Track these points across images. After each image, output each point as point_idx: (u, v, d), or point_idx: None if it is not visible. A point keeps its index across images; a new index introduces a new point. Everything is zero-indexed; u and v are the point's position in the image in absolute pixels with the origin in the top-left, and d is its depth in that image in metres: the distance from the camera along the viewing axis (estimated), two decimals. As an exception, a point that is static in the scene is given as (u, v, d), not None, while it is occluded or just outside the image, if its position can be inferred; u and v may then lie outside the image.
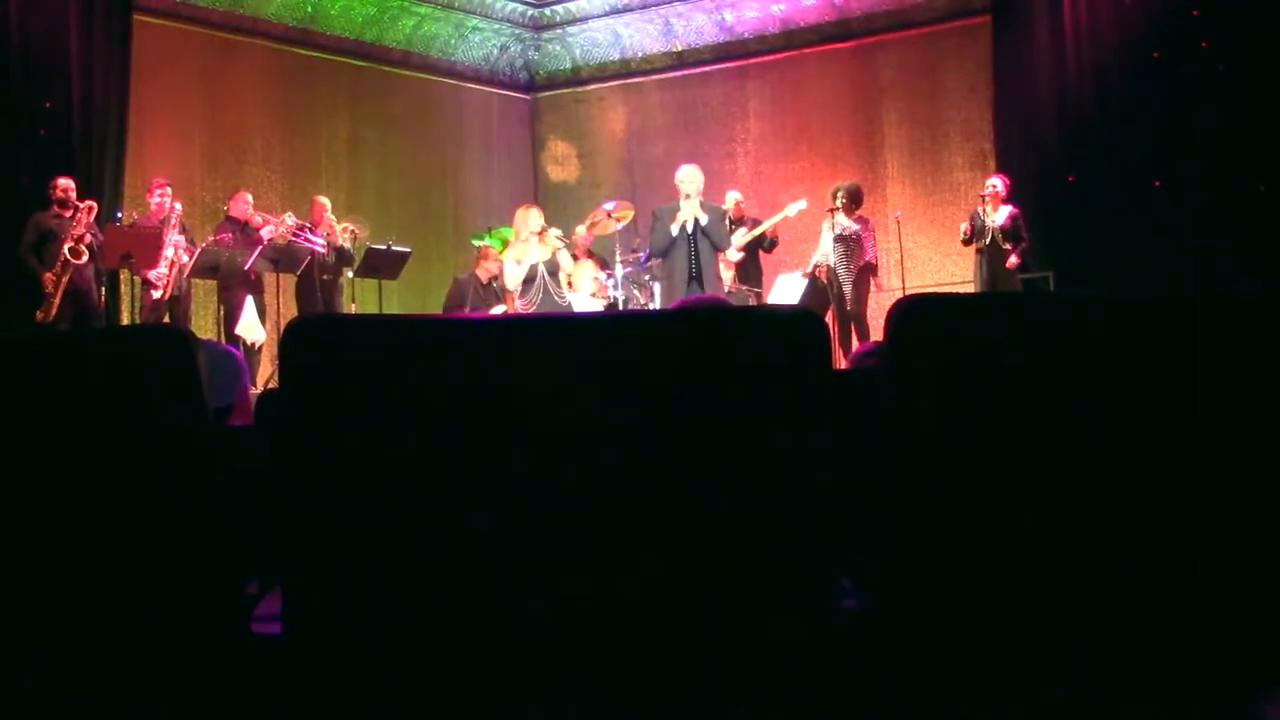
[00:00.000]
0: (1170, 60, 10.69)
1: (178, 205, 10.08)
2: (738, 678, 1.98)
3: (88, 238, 9.44)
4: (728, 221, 10.08)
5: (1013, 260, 10.51)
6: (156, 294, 9.77)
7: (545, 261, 9.38)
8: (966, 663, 2.06)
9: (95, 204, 9.73)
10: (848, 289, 10.82)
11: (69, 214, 9.52)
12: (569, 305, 9.54)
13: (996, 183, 10.85)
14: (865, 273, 10.94)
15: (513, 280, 9.46)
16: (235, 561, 2.18)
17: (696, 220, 9.42)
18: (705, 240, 9.44)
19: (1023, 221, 10.66)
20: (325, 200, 11.22)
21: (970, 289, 11.02)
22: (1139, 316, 2.05)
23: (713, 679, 1.98)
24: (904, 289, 11.16)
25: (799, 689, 1.99)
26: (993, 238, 10.63)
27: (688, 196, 9.52)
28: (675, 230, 9.44)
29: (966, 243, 10.90)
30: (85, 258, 9.40)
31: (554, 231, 9.60)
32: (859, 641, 2.08)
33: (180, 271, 9.87)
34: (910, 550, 2.05)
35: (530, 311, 9.28)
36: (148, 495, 2.09)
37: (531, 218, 9.47)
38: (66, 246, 9.30)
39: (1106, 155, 10.97)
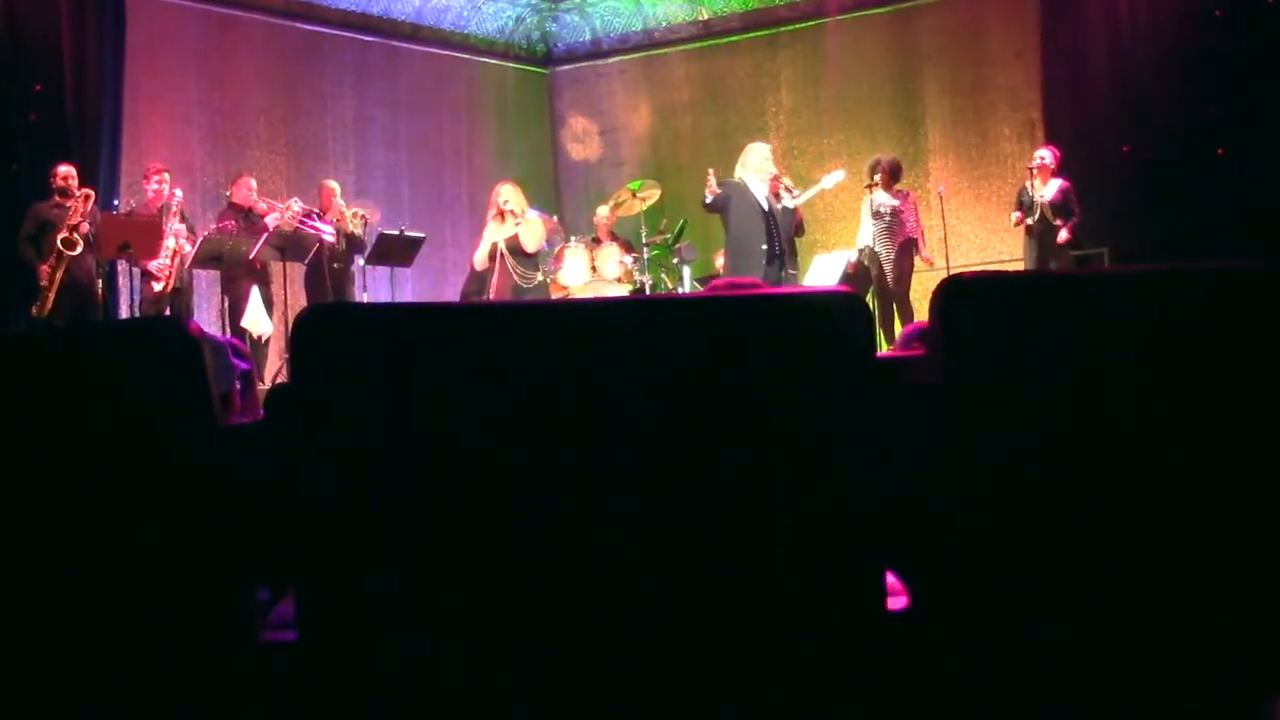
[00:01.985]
0: (1233, 17, 10.58)
1: (178, 192, 10.07)
2: (774, 685, 1.98)
3: (84, 227, 9.39)
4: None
5: (1063, 235, 10.44)
6: (158, 286, 9.77)
7: (506, 240, 9.53)
8: (1019, 667, 2.05)
9: (92, 192, 9.71)
10: (888, 267, 10.76)
11: (70, 203, 9.52)
12: (535, 285, 9.71)
13: (1045, 154, 10.76)
14: (906, 249, 10.87)
15: (478, 260, 9.73)
16: (245, 565, 2.19)
17: (774, 200, 9.62)
18: (786, 219, 9.67)
19: (1074, 195, 10.57)
20: (334, 184, 11.22)
21: (1019, 267, 10.96)
22: (1205, 292, 2.04)
23: (747, 686, 1.98)
24: (948, 268, 11.09)
25: (840, 696, 1.99)
26: (1042, 213, 10.56)
27: (777, 178, 9.79)
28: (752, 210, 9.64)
29: (1023, 225, 10.82)
30: (79, 249, 9.37)
31: (514, 204, 9.73)
32: (904, 645, 2.08)
33: (182, 262, 9.88)
34: (959, 547, 2.04)
35: (490, 293, 9.58)
36: (150, 496, 2.10)
37: (496, 193, 9.70)
38: (60, 238, 9.27)
39: (1165, 122, 10.87)
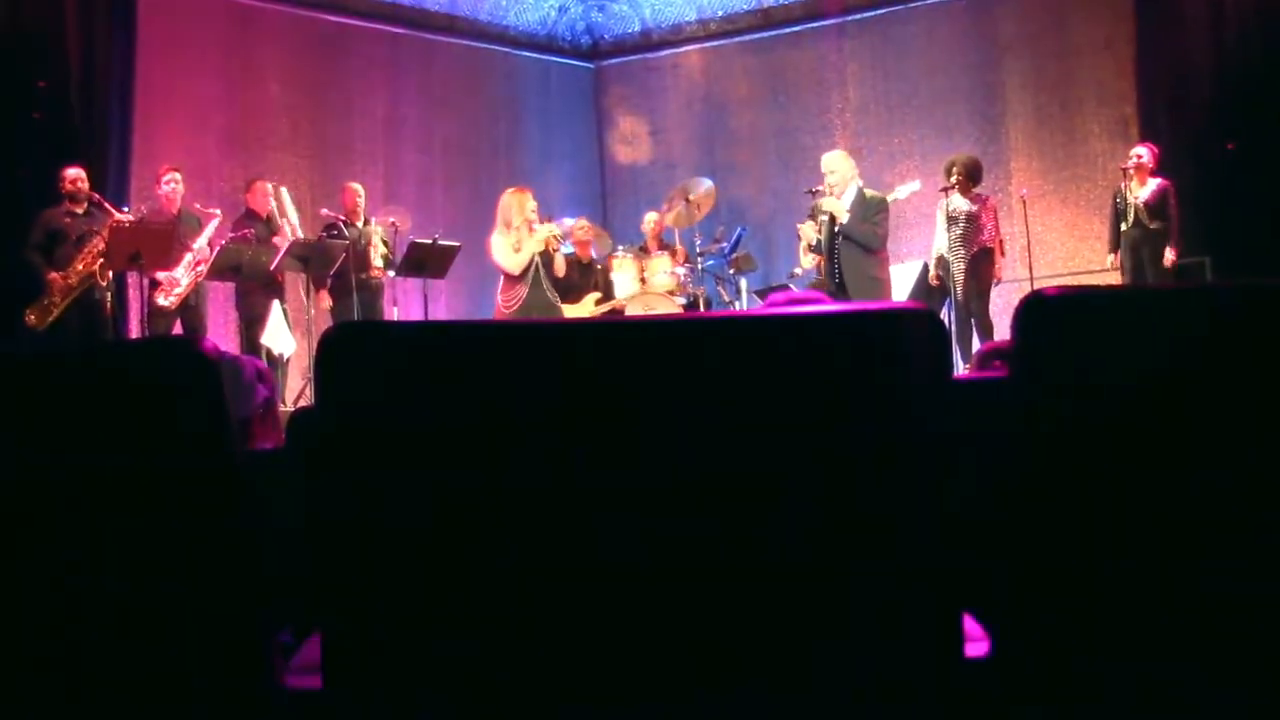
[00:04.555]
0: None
1: (217, 212, 10.16)
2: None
3: (100, 244, 9.34)
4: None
5: (1169, 257, 10.33)
6: (165, 300, 9.79)
7: (539, 254, 9.61)
8: None
9: (115, 211, 9.67)
10: (960, 279, 10.65)
11: (81, 209, 9.56)
12: (558, 305, 9.85)
13: (1143, 152, 10.66)
14: (983, 259, 10.76)
15: (517, 265, 9.65)
16: (266, 604, 2.20)
17: (834, 219, 9.45)
18: (850, 242, 9.44)
19: (1174, 197, 10.46)
20: (358, 186, 11.24)
21: (1110, 278, 10.86)
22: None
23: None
24: (1032, 280, 11.02)
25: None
26: (1137, 217, 10.47)
27: (829, 190, 9.56)
28: (813, 237, 9.51)
29: (1115, 242, 10.73)
30: (99, 264, 9.40)
31: (549, 227, 9.80)
32: (985, 696, 2.06)
33: (196, 279, 9.94)
34: (1046, 588, 2.03)
35: (512, 310, 9.57)
36: (164, 529, 2.11)
37: (528, 203, 9.67)
38: (87, 268, 9.30)
39: (1273, 117, 10.75)
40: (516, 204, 9.69)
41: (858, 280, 9.38)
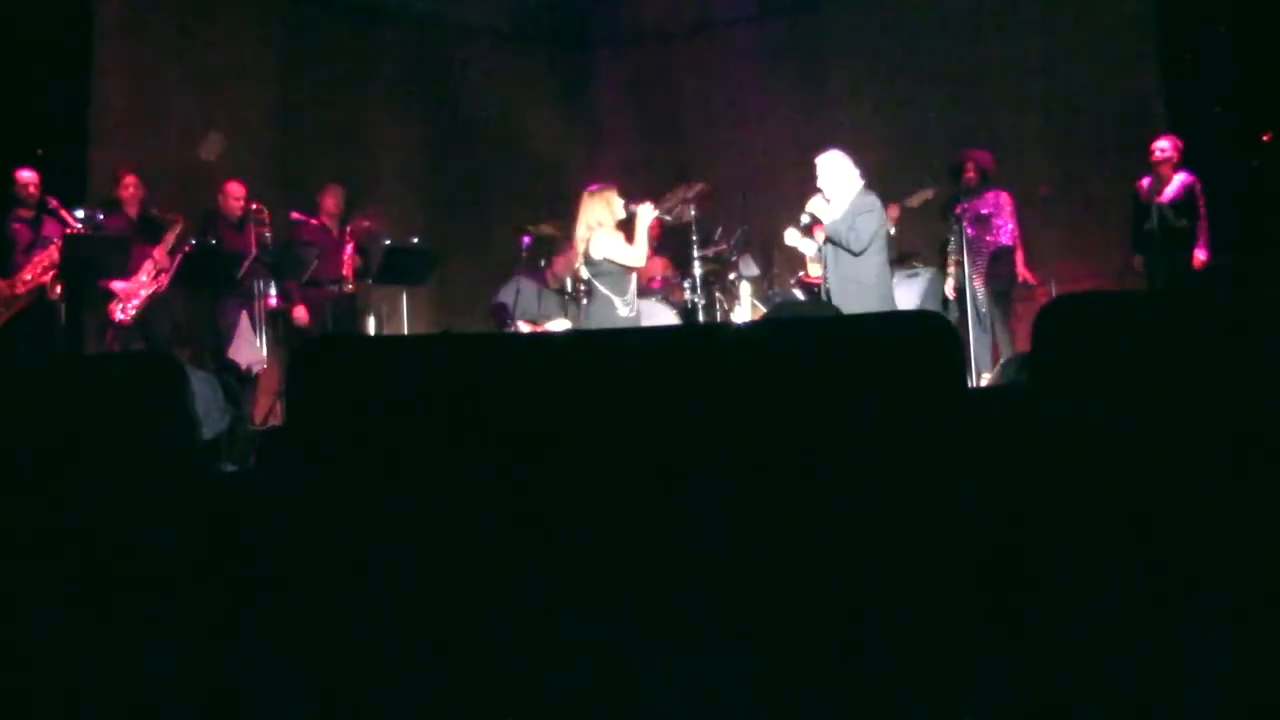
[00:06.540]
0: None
1: (178, 218, 10.13)
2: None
3: (54, 254, 9.40)
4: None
5: (1200, 257, 10.29)
6: (122, 314, 9.76)
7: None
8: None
9: (69, 217, 9.70)
10: (978, 284, 10.62)
11: (32, 216, 9.59)
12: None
13: (1165, 145, 10.63)
14: (1001, 260, 10.71)
15: (640, 254, 9.06)
16: (236, 631, 2.21)
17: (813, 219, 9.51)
18: (833, 248, 9.42)
19: (1200, 193, 10.44)
20: (340, 188, 11.22)
21: (1133, 281, 10.84)
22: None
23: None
24: (1051, 284, 10.98)
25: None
26: (1161, 216, 10.44)
27: (818, 192, 9.61)
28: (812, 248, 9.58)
29: (1138, 242, 10.71)
30: (58, 290, 9.42)
31: (647, 207, 9.26)
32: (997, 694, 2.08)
33: (153, 295, 9.91)
34: (1067, 598, 2.04)
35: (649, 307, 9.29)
36: (128, 554, 2.12)
37: (615, 199, 8.93)
38: (43, 278, 9.32)
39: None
40: (603, 203, 9.01)
41: (839, 283, 9.37)
